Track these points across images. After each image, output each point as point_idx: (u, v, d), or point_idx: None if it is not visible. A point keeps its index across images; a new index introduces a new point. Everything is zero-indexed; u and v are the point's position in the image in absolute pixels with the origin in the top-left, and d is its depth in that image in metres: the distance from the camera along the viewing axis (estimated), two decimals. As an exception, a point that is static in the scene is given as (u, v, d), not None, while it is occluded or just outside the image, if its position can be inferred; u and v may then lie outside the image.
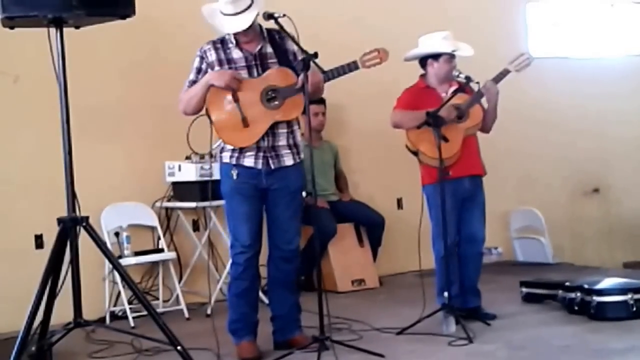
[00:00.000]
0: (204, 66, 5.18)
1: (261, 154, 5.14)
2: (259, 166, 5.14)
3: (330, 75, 5.25)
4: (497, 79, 6.00)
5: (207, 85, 5.09)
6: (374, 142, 8.54)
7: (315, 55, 4.92)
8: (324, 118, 8.06)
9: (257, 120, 5.11)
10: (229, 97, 5.10)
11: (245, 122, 5.08)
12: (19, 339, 4.34)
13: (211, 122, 5.17)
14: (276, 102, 5.11)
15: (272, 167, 5.15)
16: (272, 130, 5.15)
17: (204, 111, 5.25)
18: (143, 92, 7.38)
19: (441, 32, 6.14)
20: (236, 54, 5.18)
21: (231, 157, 5.17)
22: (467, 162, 6.01)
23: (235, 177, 5.15)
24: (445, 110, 5.83)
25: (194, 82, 5.18)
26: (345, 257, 7.90)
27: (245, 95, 5.11)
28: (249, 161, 5.14)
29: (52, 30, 4.65)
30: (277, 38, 5.22)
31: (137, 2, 4.85)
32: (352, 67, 5.37)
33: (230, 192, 5.21)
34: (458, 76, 5.93)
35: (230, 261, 5.32)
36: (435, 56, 6.10)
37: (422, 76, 6.22)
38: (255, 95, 5.12)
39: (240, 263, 5.18)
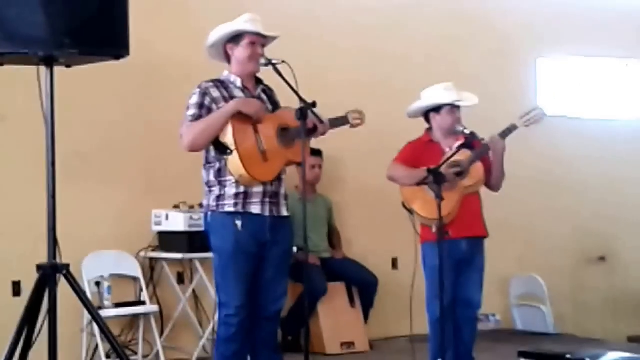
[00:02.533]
0: (207, 101, 5.10)
1: (267, 200, 5.10)
2: (266, 213, 5.09)
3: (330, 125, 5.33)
4: (504, 134, 6.02)
5: (234, 111, 5.01)
6: (371, 198, 8.58)
7: (314, 104, 4.97)
8: (320, 171, 8.11)
9: (274, 156, 5.10)
10: (250, 128, 5.07)
11: (264, 156, 5.07)
12: (-10, 389, 4.33)
13: (227, 154, 5.03)
14: (290, 141, 5.13)
15: (275, 214, 5.13)
16: (278, 174, 5.18)
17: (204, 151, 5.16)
18: (132, 138, 7.44)
19: (443, 83, 6.15)
20: (238, 93, 5.19)
21: (235, 204, 5.06)
22: (465, 222, 5.99)
23: (240, 228, 5.06)
24: (444, 167, 5.81)
25: (198, 117, 5.08)
26: (335, 318, 7.90)
27: (262, 129, 5.10)
28: (255, 208, 5.07)
29: (42, 68, 4.69)
30: (268, 91, 5.33)
31: (131, 44, 4.92)
32: (343, 121, 5.49)
33: (229, 249, 5.08)
34: (463, 131, 5.96)
35: (218, 321, 5.23)
36: (437, 108, 6.12)
37: (428, 130, 6.22)
38: (271, 130, 5.12)
39: (233, 324, 5.09)
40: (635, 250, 10.31)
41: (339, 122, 5.47)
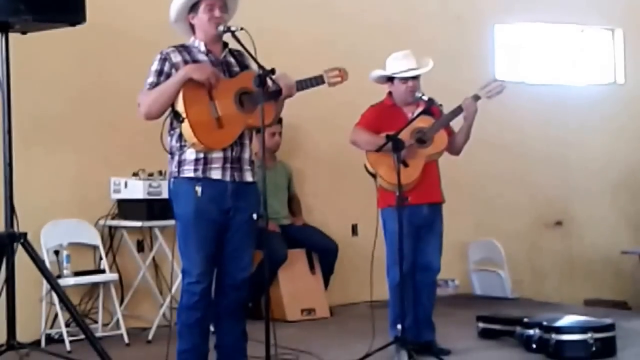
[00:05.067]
0: (166, 68, 5.03)
1: (228, 165, 5.03)
2: (227, 178, 5.02)
3: (298, 86, 5.26)
4: (475, 98, 6.05)
5: (184, 79, 4.93)
6: (330, 164, 8.58)
7: (273, 71, 4.92)
8: (279, 138, 8.07)
9: (230, 122, 5.01)
10: (204, 94, 4.98)
11: (219, 123, 4.98)
12: (-53, 359, 4.29)
13: (180, 121, 4.97)
14: (252, 106, 5.03)
15: (237, 180, 5.06)
16: (240, 139, 5.09)
17: (167, 112, 5.04)
18: (90, 104, 7.34)
19: (403, 51, 6.16)
20: (201, 57, 5.11)
21: (195, 169, 5.00)
22: (426, 189, 6.02)
23: (199, 194, 4.99)
24: (404, 133, 5.84)
25: (156, 85, 5.01)
26: (296, 285, 7.90)
27: (218, 94, 5.01)
28: (216, 173, 5.00)
29: (-3, 34, 4.62)
30: (237, 55, 5.24)
31: (88, 10, 4.84)
32: (318, 81, 5.35)
33: (190, 215, 5.03)
34: (421, 97, 5.95)
35: (181, 288, 5.18)
36: (392, 77, 6.14)
37: (389, 94, 6.22)
38: (228, 95, 5.03)
39: (195, 292, 5.05)
40: (591, 215, 10.40)
41: (312, 82, 5.35)
